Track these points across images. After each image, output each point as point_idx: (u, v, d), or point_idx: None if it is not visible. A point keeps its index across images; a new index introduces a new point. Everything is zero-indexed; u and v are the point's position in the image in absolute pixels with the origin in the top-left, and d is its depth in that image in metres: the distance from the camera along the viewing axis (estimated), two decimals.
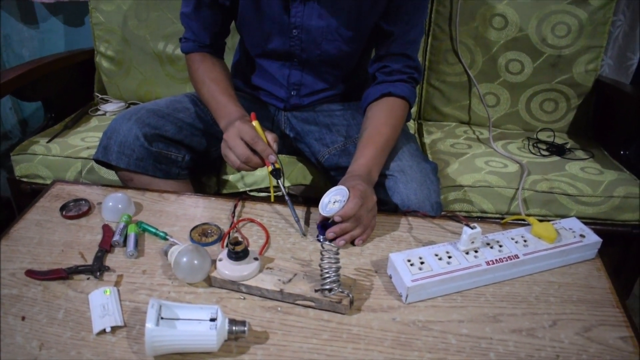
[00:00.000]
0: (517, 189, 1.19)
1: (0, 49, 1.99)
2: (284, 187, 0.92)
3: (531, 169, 1.27)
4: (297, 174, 1.24)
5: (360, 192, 0.84)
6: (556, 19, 1.44)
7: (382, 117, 1.04)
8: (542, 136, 1.50)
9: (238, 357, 0.65)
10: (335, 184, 0.87)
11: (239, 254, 0.75)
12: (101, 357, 0.64)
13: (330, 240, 0.85)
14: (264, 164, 0.92)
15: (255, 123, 0.94)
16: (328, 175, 1.17)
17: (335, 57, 1.11)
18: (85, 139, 1.35)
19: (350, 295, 0.72)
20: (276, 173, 0.92)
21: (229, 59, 1.27)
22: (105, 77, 1.64)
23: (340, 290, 0.72)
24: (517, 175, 1.24)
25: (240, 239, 0.76)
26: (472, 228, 0.78)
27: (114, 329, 0.68)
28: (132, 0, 1.53)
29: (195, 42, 1.12)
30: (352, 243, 0.87)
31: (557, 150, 1.38)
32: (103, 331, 0.68)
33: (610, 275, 0.82)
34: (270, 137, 0.93)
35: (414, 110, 1.62)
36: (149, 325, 0.63)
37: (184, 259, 0.75)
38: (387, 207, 0.97)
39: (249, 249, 0.78)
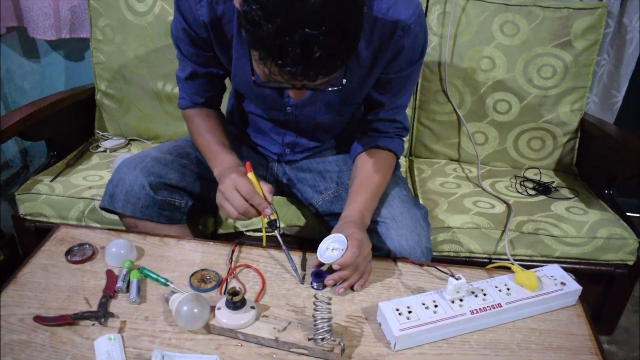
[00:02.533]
0: (504, 230, 1.24)
1: (2, 82, 2.04)
2: (281, 237, 0.95)
3: (518, 209, 1.32)
4: (292, 215, 1.29)
5: (358, 241, 0.88)
6: (542, 62, 1.51)
7: (370, 166, 1.08)
8: (529, 174, 1.55)
9: None
10: (328, 228, 0.91)
11: (236, 303, 0.79)
12: None
13: (325, 287, 0.90)
14: (259, 215, 0.96)
15: (250, 175, 0.97)
16: (322, 220, 1.22)
17: (329, 125, 1.17)
18: (87, 177, 1.39)
19: (342, 344, 0.76)
20: (272, 225, 0.96)
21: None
22: (106, 114, 1.69)
23: (332, 339, 0.76)
24: (503, 216, 1.30)
25: (237, 288, 0.81)
26: (457, 279, 0.83)
27: None
28: (132, 41, 1.58)
29: (191, 102, 1.16)
30: (351, 288, 0.91)
31: (544, 189, 1.43)
32: None
33: (590, 320, 0.87)
34: (266, 188, 0.96)
35: (405, 146, 1.68)
36: None
37: (185, 308, 0.79)
38: (380, 252, 1.02)
39: (246, 296, 0.82)
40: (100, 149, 1.59)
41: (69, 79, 2.03)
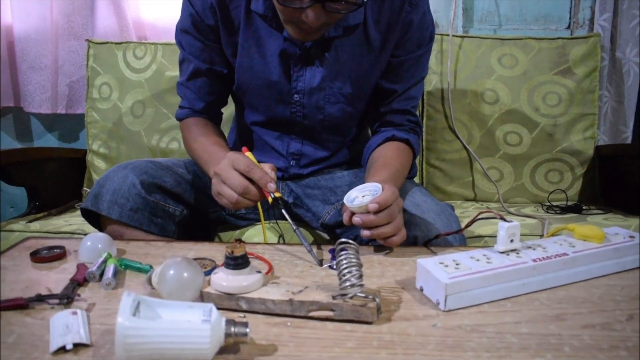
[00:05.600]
0: (542, 235, 1.09)
1: None
2: (288, 215, 0.81)
3: (552, 222, 1.18)
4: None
5: (393, 186, 0.76)
6: (545, 89, 1.48)
7: (389, 154, 0.99)
8: (554, 202, 1.43)
9: None
10: None
11: (237, 260, 0.62)
12: None
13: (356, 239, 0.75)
14: (263, 196, 0.83)
15: (248, 154, 0.87)
16: (332, 234, 1.07)
17: (338, 120, 1.08)
18: (68, 220, 1.25)
19: (377, 300, 0.59)
20: (278, 203, 0.82)
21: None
22: (96, 175, 1.59)
23: (364, 295, 0.59)
24: (537, 225, 1.15)
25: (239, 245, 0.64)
26: (508, 222, 0.67)
27: (78, 348, 0.53)
28: (129, 98, 1.56)
29: (190, 109, 1.10)
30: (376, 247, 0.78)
31: (574, 208, 1.30)
32: (63, 350, 0.53)
33: None
34: (267, 166, 0.85)
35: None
36: (121, 318, 0.48)
37: (171, 272, 0.62)
38: (406, 241, 0.86)
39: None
40: None
41: None
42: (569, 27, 1.67)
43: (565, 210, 1.31)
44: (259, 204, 0.98)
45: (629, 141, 1.65)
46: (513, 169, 1.51)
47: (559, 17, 1.65)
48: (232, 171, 0.81)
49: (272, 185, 0.80)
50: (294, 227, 0.80)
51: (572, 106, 1.48)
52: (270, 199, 0.81)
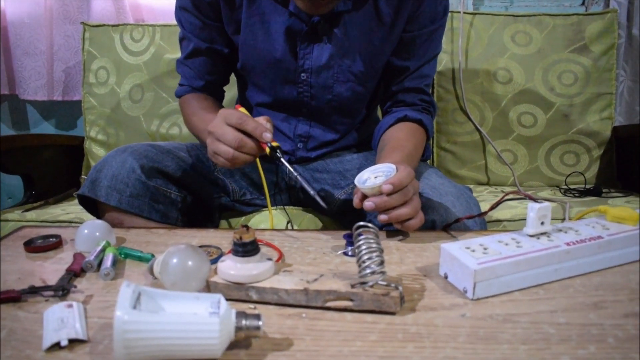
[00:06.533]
0: (563, 219, 1.03)
1: None
2: (287, 163, 0.77)
3: (572, 206, 1.12)
4: (308, 222, 1.08)
5: (409, 167, 0.71)
6: (561, 68, 1.42)
7: (402, 135, 0.93)
8: (571, 185, 1.38)
9: None
10: (351, 227, 0.72)
11: (247, 246, 0.57)
12: None
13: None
14: (260, 149, 0.78)
15: (242, 109, 0.82)
16: (343, 219, 1.02)
17: (348, 101, 1.03)
18: (66, 209, 1.20)
19: (400, 288, 0.54)
20: (276, 152, 0.78)
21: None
22: (94, 163, 1.54)
23: (385, 284, 0.54)
24: (558, 209, 1.09)
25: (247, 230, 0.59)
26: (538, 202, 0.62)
27: (73, 344, 0.48)
28: (127, 82, 1.50)
29: (189, 87, 1.05)
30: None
31: (593, 192, 1.25)
32: (57, 346, 0.48)
33: None
34: (262, 117, 0.79)
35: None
36: (120, 312, 0.44)
37: (174, 260, 0.57)
38: (424, 225, 0.81)
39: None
40: None
41: None
42: (583, 3, 1.61)
43: (584, 193, 1.26)
44: (265, 187, 0.93)
45: None
46: (527, 151, 1.45)
47: None
48: (225, 127, 0.76)
49: (267, 135, 0.76)
50: (295, 174, 0.76)
51: (588, 85, 1.42)
52: (267, 150, 0.77)
